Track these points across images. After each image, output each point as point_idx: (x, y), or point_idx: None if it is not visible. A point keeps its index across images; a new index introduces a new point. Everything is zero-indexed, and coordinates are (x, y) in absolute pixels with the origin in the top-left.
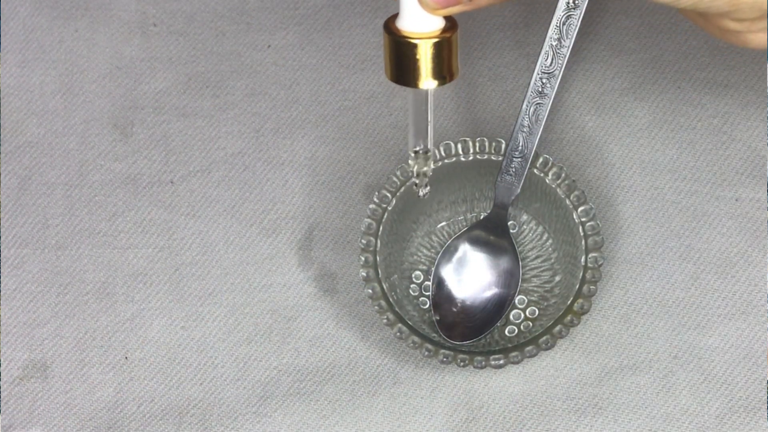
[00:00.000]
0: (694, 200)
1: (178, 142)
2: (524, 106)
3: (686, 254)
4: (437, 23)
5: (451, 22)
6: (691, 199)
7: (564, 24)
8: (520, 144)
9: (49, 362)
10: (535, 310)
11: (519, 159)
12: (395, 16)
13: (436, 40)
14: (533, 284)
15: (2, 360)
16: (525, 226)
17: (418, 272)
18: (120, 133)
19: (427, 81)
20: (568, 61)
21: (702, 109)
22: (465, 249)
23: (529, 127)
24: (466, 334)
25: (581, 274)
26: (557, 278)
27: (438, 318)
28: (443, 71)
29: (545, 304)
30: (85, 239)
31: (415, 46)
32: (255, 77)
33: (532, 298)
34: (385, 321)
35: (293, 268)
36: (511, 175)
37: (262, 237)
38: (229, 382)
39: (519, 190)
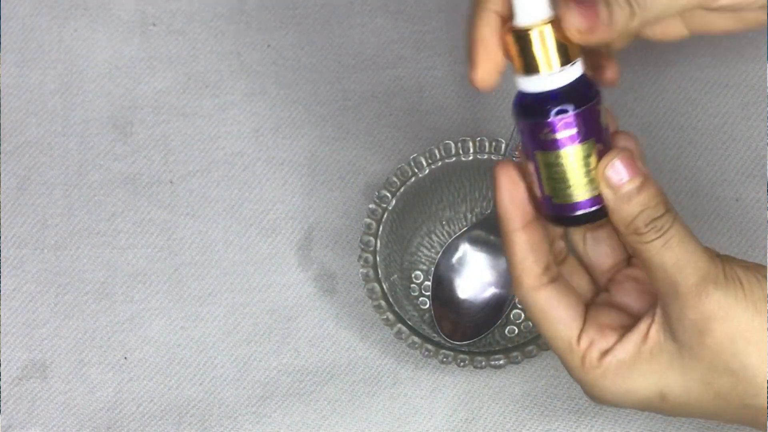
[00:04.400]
0: (694, 200)
1: (177, 142)
2: None
3: None
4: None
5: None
6: (691, 199)
7: None
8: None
9: (48, 362)
10: None
11: (519, 159)
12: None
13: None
14: None
15: (2, 360)
16: None
17: (418, 272)
18: (119, 133)
19: None
20: None
21: (702, 109)
22: (465, 249)
23: None
24: (466, 334)
25: None
26: None
27: (438, 318)
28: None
29: None
30: (85, 239)
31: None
32: (254, 77)
33: None
34: (384, 321)
35: (293, 268)
36: None
37: (261, 237)
38: (229, 382)
39: None
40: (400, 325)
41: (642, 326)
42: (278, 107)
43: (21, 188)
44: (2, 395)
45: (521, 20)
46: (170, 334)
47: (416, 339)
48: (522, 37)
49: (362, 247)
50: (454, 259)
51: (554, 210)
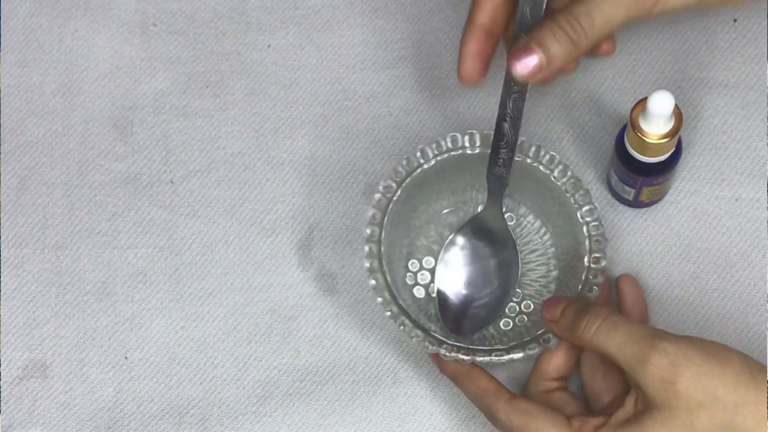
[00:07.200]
0: (694, 200)
1: (178, 142)
2: (503, 95)
3: (686, 254)
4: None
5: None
6: (691, 199)
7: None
8: (504, 133)
9: (48, 362)
10: (530, 304)
11: (505, 149)
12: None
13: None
14: (529, 278)
15: (2, 360)
16: (523, 219)
17: (419, 265)
18: (120, 133)
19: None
20: None
21: (702, 109)
22: (467, 242)
23: (510, 116)
24: (468, 327)
25: (584, 274)
26: (554, 273)
27: (440, 311)
28: None
29: (541, 298)
30: (85, 239)
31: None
32: (255, 77)
33: (528, 292)
34: (389, 314)
35: (293, 268)
36: (500, 166)
37: (262, 237)
38: (229, 382)
39: (509, 181)
40: (403, 318)
41: (627, 403)
42: (278, 107)
43: (21, 188)
44: (2, 395)
45: (648, 129)
46: (170, 334)
47: (419, 332)
48: (645, 141)
49: (367, 237)
50: (457, 253)
51: (643, 205)
